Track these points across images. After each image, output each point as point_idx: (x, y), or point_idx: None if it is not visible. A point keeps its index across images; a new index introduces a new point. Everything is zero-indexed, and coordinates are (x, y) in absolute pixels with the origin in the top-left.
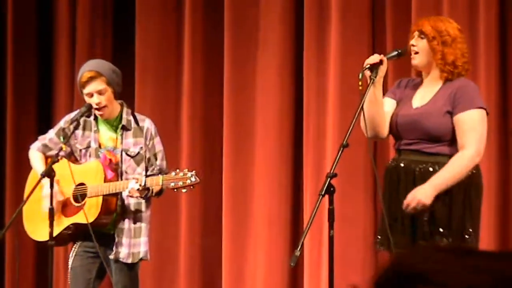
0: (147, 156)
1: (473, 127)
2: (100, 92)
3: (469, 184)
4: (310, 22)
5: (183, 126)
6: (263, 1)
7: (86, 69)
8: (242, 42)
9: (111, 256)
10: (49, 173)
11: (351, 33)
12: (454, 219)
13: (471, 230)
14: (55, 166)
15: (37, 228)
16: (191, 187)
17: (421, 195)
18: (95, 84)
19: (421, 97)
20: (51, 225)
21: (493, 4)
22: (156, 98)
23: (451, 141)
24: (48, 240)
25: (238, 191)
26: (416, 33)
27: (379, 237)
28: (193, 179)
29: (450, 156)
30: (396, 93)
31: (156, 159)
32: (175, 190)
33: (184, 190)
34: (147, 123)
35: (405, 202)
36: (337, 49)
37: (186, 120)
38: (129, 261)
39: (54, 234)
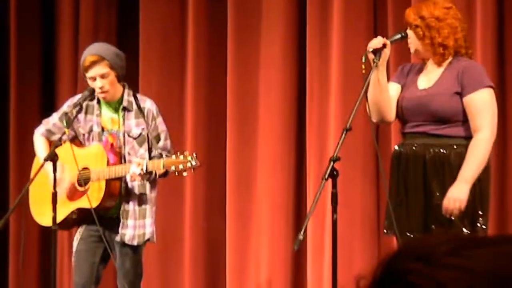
0: (150, 137)
1: (484, 108)
2: (102, 76)
3: None
4: (312, 5)
5: (187, 109)
6: None
7: (88, 53)
8: (246, 24)
9: (117, 238)
10: (52, 157)
11: (353, 16)
12: (467, 207)
13: (481, 212)
14: (60, 151)
15: (43, 213)
16: (192, 170)
17: (457, 194)
18: (97, 68)
19: (427, 80)
20: (54, 210)
21: None
22: (161, 80)
23: (463, 122)
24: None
25: (241, 174)
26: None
27: (386, 222)
28: (193, 162)
29: (465, 137)
30: (400, 78)
31: (159, 139)
32: (177, 173)
33: (185, 173)
34: (148, 104)
35: (444, 207)
36: (339, 33)
37: (190, 103)
38: (135, 243)
39: (59, 219)
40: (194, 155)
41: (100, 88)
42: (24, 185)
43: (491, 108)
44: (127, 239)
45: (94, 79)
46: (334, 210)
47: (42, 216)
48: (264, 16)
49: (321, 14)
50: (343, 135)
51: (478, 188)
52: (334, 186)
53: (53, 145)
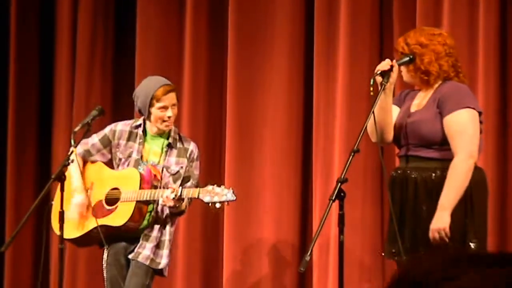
0: (184, 175)
1: (461, 130)
2: (174, 105)
3: (468, 188)
4: (319, 27)
5: (183, 130)
6: (272, 11)
7: (163, 83)
8: (249, 44)
9: (130, 256)
10: (59, 177)
11: (360, 38)
12: (455, 228)
13: (474, 237)
14: (90, 169)
15: (65, 227)
16: (226, 203)
17: (438, 224)
18: (173, 97)
19: (417, 105)
20: (61, 229)
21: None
22: None
23: (444, 145)
24: (74, 239)
25: (241, 194)
26: None
27: (386, 245)
28: (229, 196)
29: (445, 160)
30: (398, 102)
31: (188, 181)
32: (210, 204)
33: (218, 206)
34: (192, 146)
35: (431, 239)
36: (346, 54)
37: (186, 124)
38: (147, 263)
39: (81, 233)
40: (231, 189)
41: (170, 117)
42: (21, 214)
43: (469, 129)
44: (141, 257)
45: (166, 108)
46: (341, 232)
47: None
48: (269, 36)
49: (327, 36)
50: (351, 156)
51: (470, 211)
52: (341, 207)
53: (61, 164)
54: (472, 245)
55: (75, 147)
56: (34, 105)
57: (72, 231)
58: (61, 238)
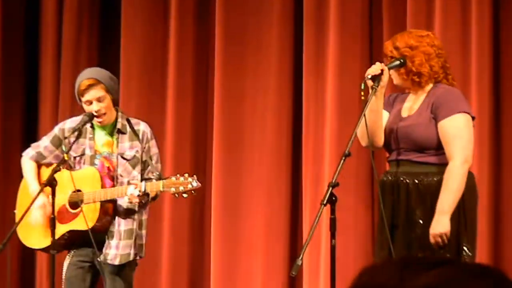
0: (144, 159)
1: (456, 134)
2: (99, 100)
3: (462, 195)
4: (308, 31)
5: (168, 130)
6: (261, 14)
7: (85, 77)
8: (237, 48)
9: (99, 258)
10: (51, 182)
11: (349, 41)
12: (450, 233)
13: (467, 244)
14: (48, 173)
15: (30, 235)
16: (192, 192)
17: (438, 229)
18: (94, 92)
19: (409, 109)
20: (53, 235)
21: (486, 6)
22: (141, 99)
23: (437, 149)
24: (46, 248)
25: (229, 197)
26: None
27: (376, 250)
28: (194, 183)
29: (438, 165)
30: (387, 106)
31: (151, 162)
32: (176, 195)
33: (185, 195)
34: (142, 126)
35: (432, 243)
36: (335, 58)
37: (171, 124)
38: (116, 262)
39: (49, 242)
40: (195, 176)
41: (97, 111)
42: (7, 212)
43: (464, 133)
44: (109, 259)
45: (90, 102)
46: (333, 236)
47: (29, 238)
48: (257, 39)
49: (316, 38)
50: (342, 160)
51: (463, 218)
52: (333, 211)
53: (52, 170)
54: (466, 249)
55: (66, 152)
56: (19, 106)
57: (40, 240)
58: (53, 244)
